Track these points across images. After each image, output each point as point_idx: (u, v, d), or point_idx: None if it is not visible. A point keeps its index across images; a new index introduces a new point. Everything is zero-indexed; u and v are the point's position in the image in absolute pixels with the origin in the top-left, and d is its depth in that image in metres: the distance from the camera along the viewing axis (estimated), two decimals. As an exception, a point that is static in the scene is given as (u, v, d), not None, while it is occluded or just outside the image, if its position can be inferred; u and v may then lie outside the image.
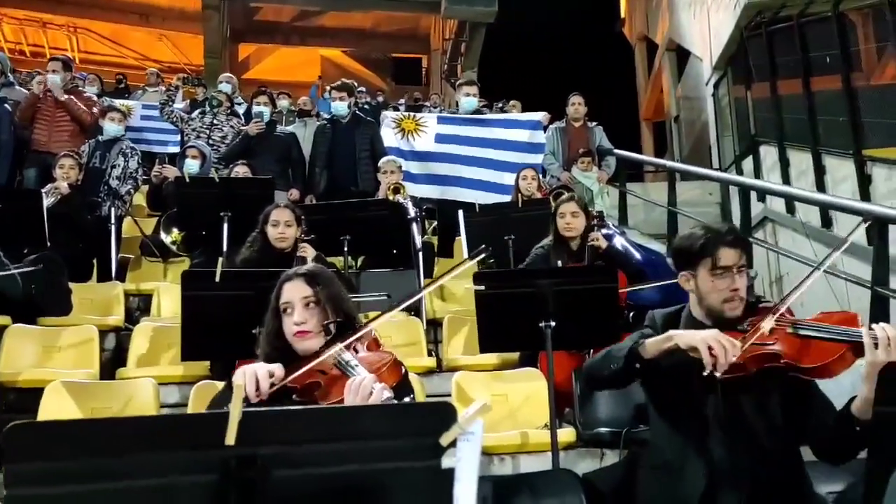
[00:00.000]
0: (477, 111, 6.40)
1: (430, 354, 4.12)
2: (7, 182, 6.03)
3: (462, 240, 4.93)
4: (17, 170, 6.24)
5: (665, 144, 14.91)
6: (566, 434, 3.03)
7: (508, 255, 4.55)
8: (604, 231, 4.20)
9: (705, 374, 1.87)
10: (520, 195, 5.14)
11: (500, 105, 9.06)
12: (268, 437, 1.03)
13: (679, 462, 2.03)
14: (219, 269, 2.82)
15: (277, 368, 1.95)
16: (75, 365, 3.74)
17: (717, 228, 2.12)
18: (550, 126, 6.89)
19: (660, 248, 5.86)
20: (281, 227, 3.84)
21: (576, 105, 6.92)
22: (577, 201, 4.10)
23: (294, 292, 2.14)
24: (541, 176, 5.87)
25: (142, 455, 0.99)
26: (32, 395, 3.26)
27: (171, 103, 6.86)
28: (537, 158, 6.06)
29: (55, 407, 2.95)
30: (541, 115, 6.29)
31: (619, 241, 4.42)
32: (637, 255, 4.33)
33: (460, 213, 4.91)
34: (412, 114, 6.71)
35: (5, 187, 5.40)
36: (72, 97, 6.20)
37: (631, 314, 3.95)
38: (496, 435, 3.07)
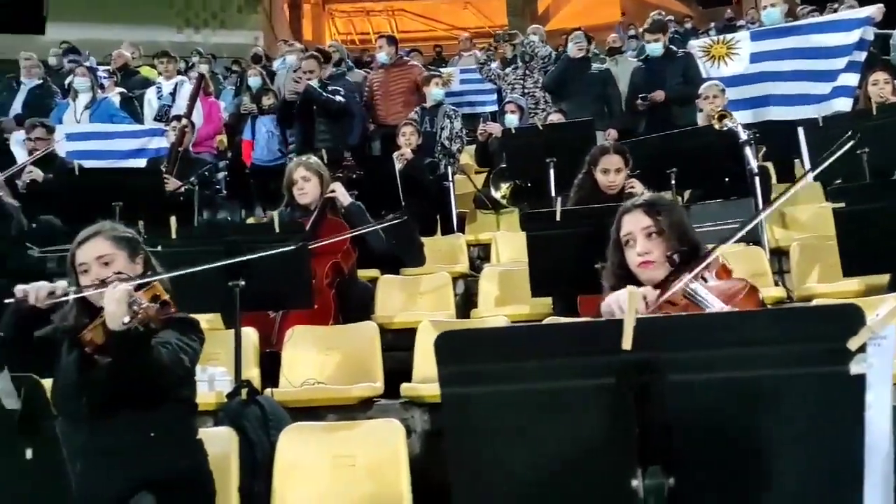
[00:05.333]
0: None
1: (776, 285, 3.86)
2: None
3: (804, 159, 4.49)
4: (366, 144, 7.10)
5: None
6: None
7: (863, 171, 4.04)
8: None
9: None
10: (870, 103, 4.51)
11: (836, 6, 7.97)
12: (662, 343, 1.06)
13: None
14: (558, 209, 2.94)
15: (649, 291, 1.97)
16: (435, 308, 4.18)
17: None
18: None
19: None
20: (612, 174, 3.80)
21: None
22: None
23: (635, 223, 2.14)
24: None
25: (545, 359, 1.09)
26: (405, 334, 3.75)
27: (489, 63, 7.22)
28: (860, 56, 5.24)
29: (427, 342, 3.35)
30: (873, 9, 5.40)
31: None
32: None
33: (800, 130, 4.46)
34: (722, 37, 6.23)
35: (366, 157, 6.17)
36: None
37: None
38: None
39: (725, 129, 4.62)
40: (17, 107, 7.00)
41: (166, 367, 1.99)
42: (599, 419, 1.09)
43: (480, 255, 5.47)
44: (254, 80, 7.49)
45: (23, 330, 2.07)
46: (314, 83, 6.09)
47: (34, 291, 2.05)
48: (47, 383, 1.79)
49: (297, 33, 18.60)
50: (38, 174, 4.90)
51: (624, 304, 1.85)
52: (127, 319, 1.82)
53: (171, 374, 2.02)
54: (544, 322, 2.65)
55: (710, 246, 2.14)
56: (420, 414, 3.11)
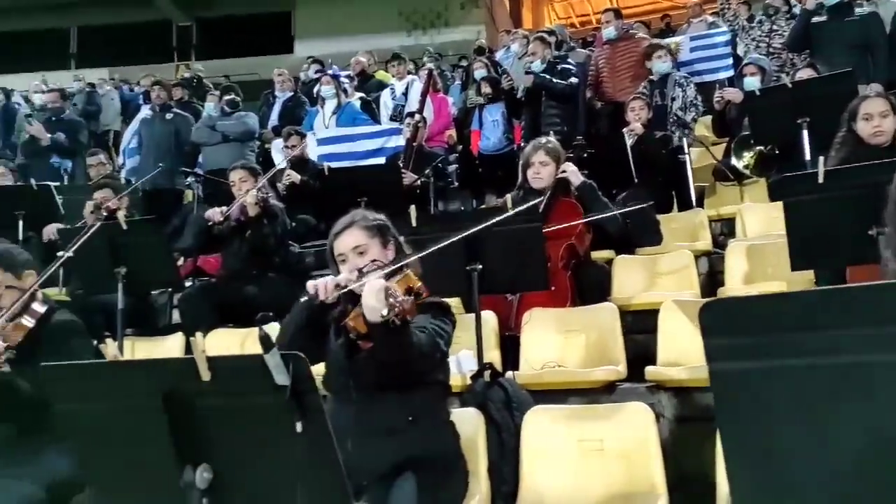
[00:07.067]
0: None
1: None
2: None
3: None
4: (591, 123, 6.90)
5: None
6: None
7: None
8: None
9: None
10: None
11: None
12: None
13: None
14: (821, 169, 2.61)
15: None
16: (677, 287, 3.95)
17: None
18: None
19: None
20: (876, 119, 3.38)
21: None
22: None
23: None
24: None
25: (839, 329, 0.93)
26: (644, 315, 3.58)
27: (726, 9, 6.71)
28: None
29: (671, 323, 3.17)
30: None
31: None
32: None
33: None
34: None
35: (594, 135, 6.02)
36: None
37: None
38: None
39: None
40: (273, 118, 7.77)
41: (424, 353, 2.03)
42: (911, 400, 0.91)
43: (724, 230, 5.11)
44: (479, 73, 7.61)
45: (315, 323, 2.17)
46: (537, 65, 6.05)
47: (323, 286, 2.12)
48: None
49: (517, 23, 18.74)
50: (295, 177, 5.38)
51: None
52: (385, 312, 1.84)
53: (429, 357, 2.07)
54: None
55: None
56: (668, 398, 2.95)
